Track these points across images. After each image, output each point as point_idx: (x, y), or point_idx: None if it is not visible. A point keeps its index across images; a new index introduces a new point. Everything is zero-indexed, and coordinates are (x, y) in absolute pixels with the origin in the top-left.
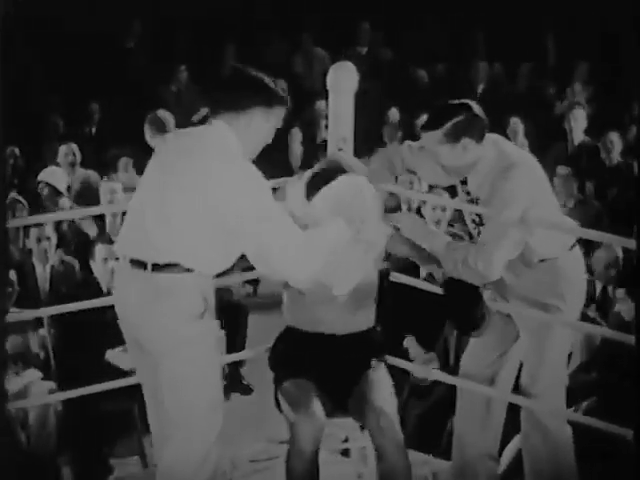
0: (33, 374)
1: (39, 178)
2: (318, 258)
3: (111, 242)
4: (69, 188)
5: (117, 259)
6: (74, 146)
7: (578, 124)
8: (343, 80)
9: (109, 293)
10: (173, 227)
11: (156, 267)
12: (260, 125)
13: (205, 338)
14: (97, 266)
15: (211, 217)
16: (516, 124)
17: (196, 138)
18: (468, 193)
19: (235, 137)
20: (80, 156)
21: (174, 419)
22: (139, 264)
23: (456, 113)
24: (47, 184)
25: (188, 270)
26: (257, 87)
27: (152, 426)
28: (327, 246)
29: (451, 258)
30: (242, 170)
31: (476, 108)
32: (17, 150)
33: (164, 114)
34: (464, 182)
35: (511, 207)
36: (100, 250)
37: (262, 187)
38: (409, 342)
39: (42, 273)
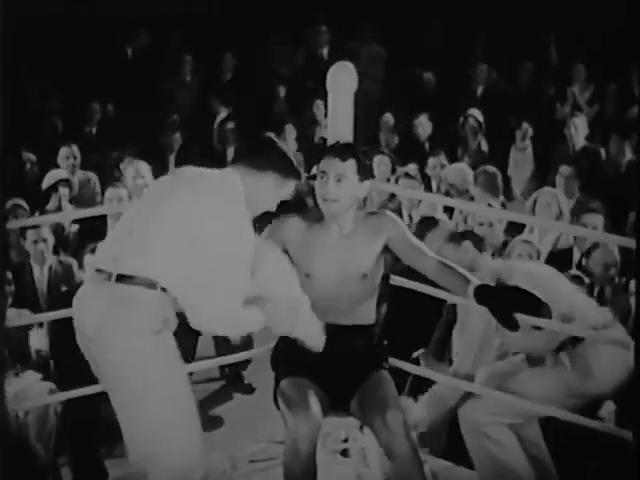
0: (32, 375)
1: (57, 178)
2: (230, 329)
3: None
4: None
5: None
6: (75, 148)
7: (579, 131)
8: (343, 80)
9: None
10: (152, 244)
11: (120, 278)
12: (268, 188)
13: (159, 352)
14: None
15: (193, 245)
16: (526, 129)
17: (208, 176)
18: None
19: (242, 187)
20: (80, 158)
21: (147, 436)
22: (104, 274)
23: None
24: (66, 180)
25: (152, 286)
26: (279, 156)
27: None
28: (243, 327)
29: None
30: (238, 217)
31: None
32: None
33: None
34: None
35: None
36: None
37: (245, 244)
38: (424, 357)
39: (40, 274)
